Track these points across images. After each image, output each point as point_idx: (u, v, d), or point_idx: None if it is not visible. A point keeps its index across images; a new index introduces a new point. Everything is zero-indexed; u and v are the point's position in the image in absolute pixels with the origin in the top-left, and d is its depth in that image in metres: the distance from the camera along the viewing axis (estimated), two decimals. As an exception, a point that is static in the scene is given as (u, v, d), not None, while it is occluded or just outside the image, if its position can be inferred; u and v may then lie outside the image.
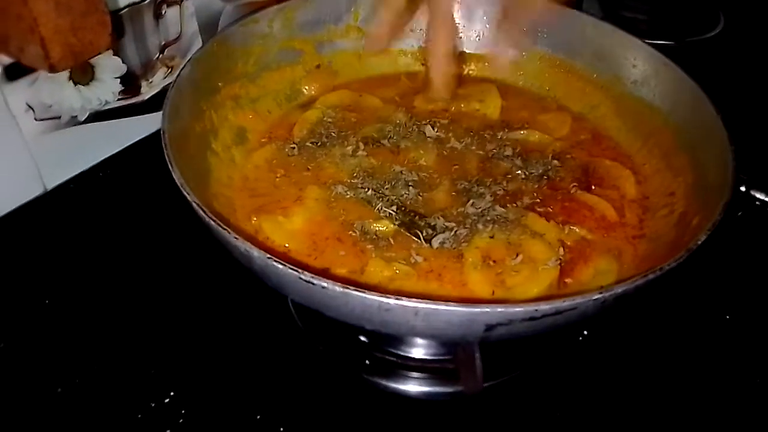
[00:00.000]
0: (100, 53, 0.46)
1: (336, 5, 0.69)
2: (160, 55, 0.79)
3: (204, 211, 0.42)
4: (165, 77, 0.81)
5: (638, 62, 0.65)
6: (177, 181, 0.44)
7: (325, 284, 0.38)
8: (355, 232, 0.54)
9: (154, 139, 0.79)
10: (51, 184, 0.73)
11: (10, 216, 0.69)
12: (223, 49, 0.61)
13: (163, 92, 0.80)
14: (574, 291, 0.50)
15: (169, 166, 0.45)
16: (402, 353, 0.57)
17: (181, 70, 0.54)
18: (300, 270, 0.38)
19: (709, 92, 0.58)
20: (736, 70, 0.96)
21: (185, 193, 0.44)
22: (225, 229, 0.41)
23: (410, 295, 0.38)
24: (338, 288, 0.38)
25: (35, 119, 0.69)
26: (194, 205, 0.43)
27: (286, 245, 0.53)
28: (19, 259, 0.65)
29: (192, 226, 0.63)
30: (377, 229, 0.54)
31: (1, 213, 0.69)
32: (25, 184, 0.71)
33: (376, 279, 0.50)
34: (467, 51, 0.75)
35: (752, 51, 1.02)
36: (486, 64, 0.74)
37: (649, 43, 0.64)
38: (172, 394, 0.53)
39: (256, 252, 0.40)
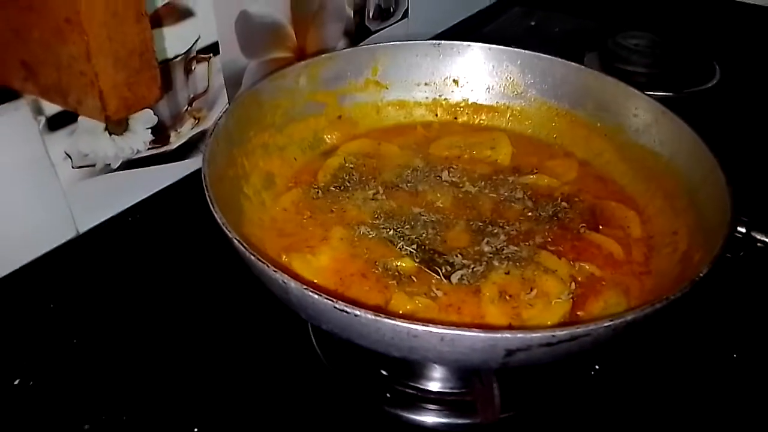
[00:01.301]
0: (150, 106, 0.50)
1: (357, 62, 0.75)
2: (189, 108, 0.84)
3: (243, 246, 0.46)
4: (192, 128, 0.86)
5: (639, 112, 0.69)
6: (218, 219, 0.48)
7: (358, 312, 0.41)
8: (378, 269, 0.57)
9: (181, 185, 0.84)
10: (83, 228, 0.76)
11: (45, 257, 0.72)
12: (255, 101, 0.66)
13: (190, 142, 0.85)
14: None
15: (211, 206, 0.49)
16: (421, 386, 0.60)
17: (218, 120, 0.59)
18: (334, 300, 0.42)
19: (708, 139, 0.61)
20: (732, 118, 1.00)
21: (226, 231, 0.47)
22: (263, 263, 0.44)
23: (434, 322, 0.41)
24: (370, 315, 0.41)
25: (72, 167, 0.73)
26: (234, 241, 0.46)
27: (315, 281, 0.56)
28: (51, 298, 0.67)
29: (216, 265, 0.67)
30: (399, 266, 0.57)
31: (37, 254, 0.72)
32: (60, 227, 0.74)
33: (399, 312, 0.53)
34: (478, 102, 0.79)
35: (747, 101, 1.06)
36: (496, 114, 0.79)
37: (649, 95, 0.69)
38: (196, 430, 0.55)
39: (293, 283, 0.43)
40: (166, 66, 0.77)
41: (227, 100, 0.87)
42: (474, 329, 0.40)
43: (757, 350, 0.64)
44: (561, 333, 0.41)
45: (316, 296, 0.42)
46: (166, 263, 0.72)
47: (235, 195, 0.60)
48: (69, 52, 0.45)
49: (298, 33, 0.93)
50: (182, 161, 0.85)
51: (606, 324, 0.42)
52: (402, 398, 0.59)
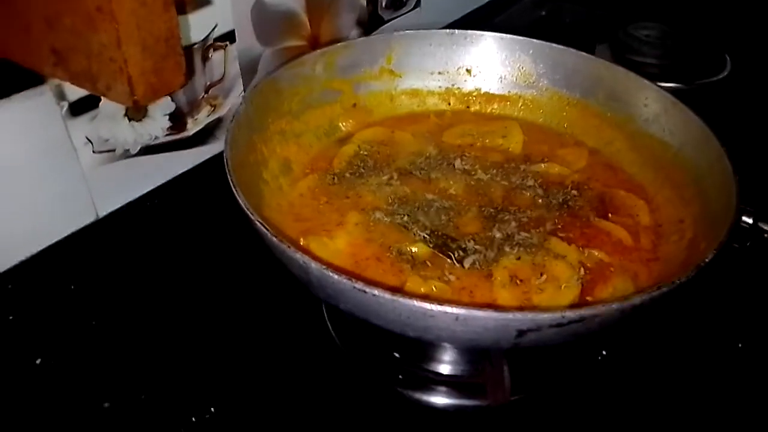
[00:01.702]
0: (175, 90, 0.52)
1: (372, 50, 0.76)
2: (205, 95, 0.85)
3: (266, 228, 0.47)
4: (208, 115, 0.87)
5: (649, 102, 0.70)
6: (241, 202, 0.50)
7: (376, 292, 0.43)
8: (393, 253, 0.59)
9: (198, 171, 0.86)
10: (103, 212, 0.78)
11: (65, 240, 0.74)
12: (273, 88, 0.67)
13: (207, 129, 0.87)
14: (595, 304, 0.54)
15: (234, 190, 0.50)
16: (433, 369, 0.62)
17: (239, 106, 0.60)
18: (353, 279, 0.44)
19: (717, 130, 0.62)
20: (743, 110, 1.01)
21: (248, 213, 0.49)
22: (285, 244, 0.46)
23: (449, 302, 0.43)
24: (388, 295, 0.43)
25: (93, 152, 0.74)
26: (257, 223, 0.48)
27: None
28: (71, 280, 0.70)
29: (232, 248, 0.68)
30: (413, 250, 0.59)
31: (58, 237, 0.74)
32: (80, 211, 0.76)
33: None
34: (490, 91, 0.81)
35: (758, 93, 1.06)
36: (508, 103, 0.80)
37: (660, 86, 0.70)
38: (212, 410, 0.58)
39: (313, 264, 0.45)
40: (188, 51, 0.78)
41: (243, 88, 0.89)
42: (487, 309, 0.42)
43: (762, 340, 0.66)
44: (570, 314, 0.42)
45: (335, 276, 0.44)
46: (184, 247, 0.74)
47: (254, 180, 0.62)
48: (99, 40, 0.46)
49: (312, 22, 0.94)
50: (198, 147, 0.86)
51: (614, 306, 0.43)
52: (414, 380, 0.61)
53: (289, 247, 0.46)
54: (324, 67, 0.73)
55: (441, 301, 0.42)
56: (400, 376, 0.61)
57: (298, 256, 0.45)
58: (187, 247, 0.74)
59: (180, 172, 0.85)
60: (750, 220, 0.61)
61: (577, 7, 1.31)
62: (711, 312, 0.66)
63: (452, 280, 0.56)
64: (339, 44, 0.74)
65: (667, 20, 1.18)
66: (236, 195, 0.50)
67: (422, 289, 0.55)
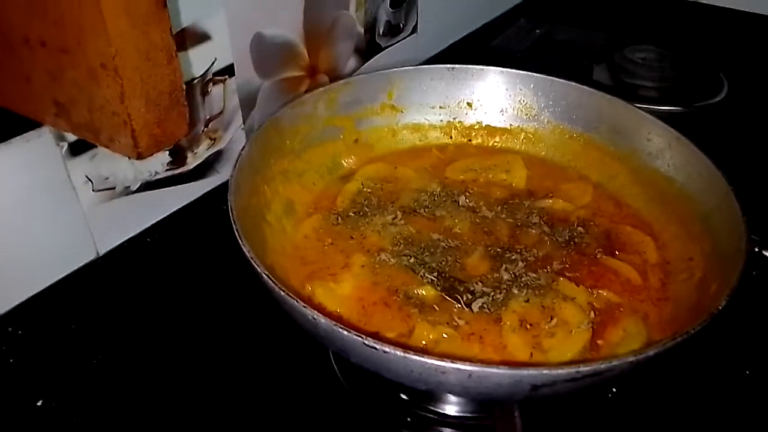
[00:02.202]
0: (179, 140, 0.51)
1: (373, 87, 0.76)
2: (205, 129, 0.85)
3: (273, 282, 0.47)
4: (208, 148, 0.87)
5: (652, 136, 0.70)
6: (246, 253, 0.49)
7: (387, 349, 0.42)
8: (400, 297, 0.59)
9: (198, 204, 0.86)
10: (103, 250, 0.77)
11: (65, 279, 0.74)
12: (275, 129, 0.67)
13: (206, 162, 0.86)
14: (607, 353, 0.54)
15: (239, 240, 0.50)
16: (441, 410, 0.61)
17: (242, 150, 0.60)
18: (364, 336, 0.43)
19: (719, 157, 0.62)
20: (742, 132, 1.01)
21: (255, 265, 0.48)
22: (293, 299, 0.46)
23: (461, 359, 0.42)
24: (399, 352, 0.42)
25: (93, 190, 0.74)
26: (264, 276, 0.47)
27: (338, 311, 0.57)
28: (72, 320, 0.69)
29: (234, 283, 0.68)
30: (421, 294, 0.58)
31: (59, 277, 0.73)
32: (80, 249, 0.75)
33: (422, 341, 0.54)
34: (492, 125, 0.80)
35: (756, 113, 1.07)
36: (510, 136, 0.80)
37: (660, 110, 0.70)
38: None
39: (322, 319, 0.44)
40: (188, 87, 0.78)
41: (242, 121, 0.89)
42: (501, 366, 0.42)
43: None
44: (585, 369, 0.42)
45: (345, 333, 0.44)
46: (185, 282, 0.73)
47: (258, 223, 0.61)
48: (103, 95, 0.46)
49: (310, 51, 0.94)
50: (198, 181, 0.86)
51: (630, 359, 0.43)
52: (422, 422, 0.60)
53: (297, 302, 0.45)
54: (325, 105, 0.72)
55: (454, 359, 0.42)
56: (408, 419, 0.60)
57: (308, 311, 0.45)
58: (189, 283, 0.73)
59: (180, 206, 0.85)
60: (755, 249, 0.61)
61: (572, 29, 1.32)
62: (718, 339, 0.65)
63: (461, 325, 0.56)
64: (340, 82, 0.74)
65: (663, 42, 1.19)
66: (242, 245, 0.50)
67: (431, 336, 0.54)
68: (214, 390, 0.62)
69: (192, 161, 0.85)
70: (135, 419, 0.59)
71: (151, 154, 0.49)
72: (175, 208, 0.84)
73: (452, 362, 0.42)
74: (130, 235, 0.80)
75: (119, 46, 0.44)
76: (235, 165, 0.58)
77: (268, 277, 0.47)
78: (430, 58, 1.20)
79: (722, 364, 0.66)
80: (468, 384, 0.43)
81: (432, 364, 0.42)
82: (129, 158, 0.50)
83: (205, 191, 0.87)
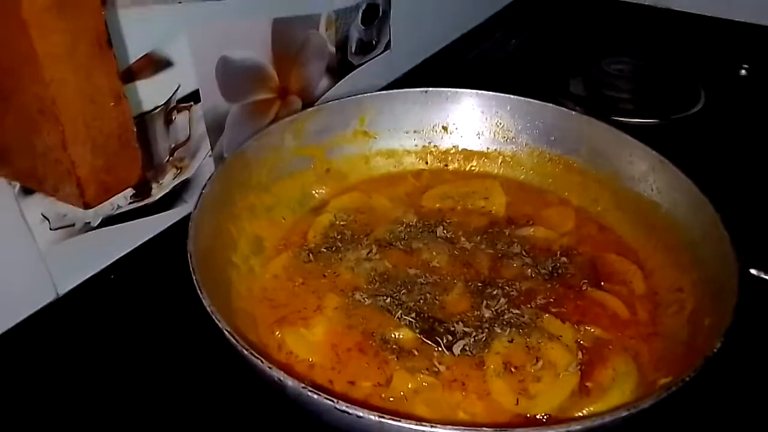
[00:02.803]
0: (131, 186, 0.47)
1: (344, 113, 0.73)
2: (170, 158, 0.81)
3: (236, 340, 0.43)
4: (174, 178, 0.83)
5: (634, 159, 0.68)
6: (208, 308, 0.46)
7: (361, 414, 0.39)
8: (376, 341, 0.55)
9: (164, 236, 0.81)
10: (63, 290, 0.73)
11: (24, 323, 0.69)
12: (239, 163, 0.64)
13: (173, 192, 0.82)
14: (597, 396, 0.51)
15: (199, 293, 0.46)
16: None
17: (202, 191, 0.56)
18: (335, 400, 0.40)
19: (698, 170, 0.60)
20: (719, 143, 0.99)
21: (216, 321, 0.45)
22: (258, 359, 0.42)
23: (442, 422, 0.39)
24: (374, 417, 0.39)
25: (50, 229, 0.70)
26: (226, 333, 0.44)
27: (310, 360, 0.54)
28: (33, 364, 0.65)
29: (204, 320, 0.64)
30: (398, 337, 0.55)
31: (17, 321, 0.69)
32: (39, 291, 0.71)
33: (401, 392, 0.51)
34: (468, 148, 0.78)
35: (733, 125, 1.05)
36: (487, 160, 0.77)
37: (637, 122, 0.67)
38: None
39: (290, 381, 0.41)
40: (142, 120, 0.74)
41: (210, 147, 0.85)
42: (487, 429, 0.38)
43: (759, 381, 0.62)
44: (576, 428, 0.39)
45: (315, 396, 0.40)
46: (151, 321, 0.69)
47: (222, 267, 0.58)
48: (44, 142, 0.42)
49: (280, 73, 0.91)
50: (165, 212, 0.82)
51: (623, 415, 0.40)
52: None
53: (262, 361, 0.42)
54: (293, 135, 0.69)
55: (433, 423, 0.38)
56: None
57: (274, 372, 0.41)
58: (155, 321, 0.69)
59: (146, 239, 0.81)
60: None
61: (548, 41, 1.30)
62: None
63: (442, 371, 0.53)
64: (308, 110, 0.70)
65: (640, 53, 1.18)
66: (202, 298, 0.46)
67: (410, 385, 0.51)
68: None
69: (157, 192, 0.81)
70: None
71: (100, 203, 0.45)
72: (141, 242, 0.80)
73: (432, 426, 0.38)
74: (92, 273, 0.76)
75: (58, 91, 0.40)
76: (196, 206, 0.55)
77: (230, 333, 0.44)
78: (404, 73, 1.17)
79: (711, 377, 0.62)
80: (450, 447, 0.39)
81: (409, 428, 0.39)
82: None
83: (173, 222, 0.83)
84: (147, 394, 0.62)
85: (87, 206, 0.44)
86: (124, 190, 0.50)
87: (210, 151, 0.84)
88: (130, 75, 0.69)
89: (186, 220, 0.81)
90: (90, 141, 0.43)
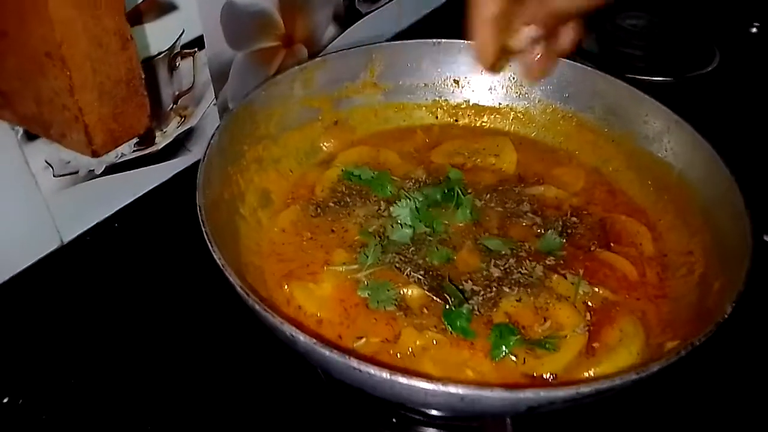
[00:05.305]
0: (139, 134, 0.46)
1: (353, 63, 0.71)
2: (174, 106, 0.79)
3: (248, 295, 0.43)
4: (178, 126, 0.81)
5: (649, 118, 0.66)
6: (219, 262, 0.45)
7: (372, 371, 0.39)
8: (384, 298, 0.55)
9: (168, 186, 0.80)
10: (67, 238, 0.73)
11: (28, 270, 0.69)
12: (247, 113, 0.62)
13: (177, 141, 0.81)
14: (603, 356, 0.51)
15: (209, 246, 0.46)
16: (427, 411, 0.58)
17: (211, 140, 0.55)
18: (348, 356, 0.39)
19: (711, 130, 0.58)
20: (733, 104, 0.97)
21: (228, 275, 0.44)
22: (270, 314, 0.42)
23: (452, 381, 0.39)
24: (385, 374, 0.39)
25: (54, 175, 0.69)
26: (238, 288, 0.43)
27: (318, 315, 0.54)
28: (37, 312, 0.65)
29: (208, 268, 0.63)
30: (407, 294, 0.55)
31: (21, 268, 0.69)
32: (43, 238, 0.71)
33: (409, 348, 0.51)
34: (480, 103, 0.76)
35: (748, 84, 1.03)
36: (498, 116, 0.75)
37: (651, 80, 0.65)
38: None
39: (302, 337, 0.41)
40: (149, 64, 0.72)
41: (214, 96, 0.83)
42: (496, 388, 0.38)
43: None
44: (586, 390, 0.39)
45: (326, 352, 0.40)
46: (156, 270, 0.69)
47: (231, 218, 0.57)
48: (50, 86, 0.41)
49: (285, 20, 0.88)
50: (169, 161, 0.81)
51: (633, 377, 0.40)
52: (407, 423, 0.57)
53: (274, 317, 0.41)
54: (302, 85, 0.67)
55: (443, 381, 0.38)
56: (394, 419, 0.57)
57: (285, 327, 0.41)
58: (160, 271, 0.69)
59: (150, 188, 0.80)
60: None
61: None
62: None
63: (450, 329, 0.52)
64: (317, 59, 0.68)
65: (654, 10, 1.14)
66: (213, 252, 0.45)
67: (418, 342, 0.51)
68: (187, 382, 0.58)
69: (161, 140, 0.79)
70: (104, 415, 0.56)
71: (108, 152, 0.44)
72: (144, 191, 0.79)
73: (443, 385, 0.38)
74: (96, 222, 0.75)
75: (65, 32, 0.38)
76: (204, 157, 0.53)
77: (242, 289, 0.43)
78: (412, 24, 1.14)
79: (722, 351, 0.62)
80: (461, 406, 0.40)
81: (420, 387, 0.39)
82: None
83: (176, 171, 0.82)
84: (152, 343, 0.62)
85: (95, 154, 0.43)
86: (133, 138, 0.49)
87: (214, 100, 0.83)
88: (137, 16, 0.67)
89: (189, 169, 0.81)
90: (98, 87, 0.42)
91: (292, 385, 0.59)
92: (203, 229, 0.47)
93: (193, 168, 0.50)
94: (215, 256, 0.45)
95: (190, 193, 0.52)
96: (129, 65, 0.43)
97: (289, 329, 0.41)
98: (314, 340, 0.40)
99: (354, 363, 0.39)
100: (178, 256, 0.69)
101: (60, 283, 0.68)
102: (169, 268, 0.69)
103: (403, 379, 0.39)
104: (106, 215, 0.76)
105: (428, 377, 0.39)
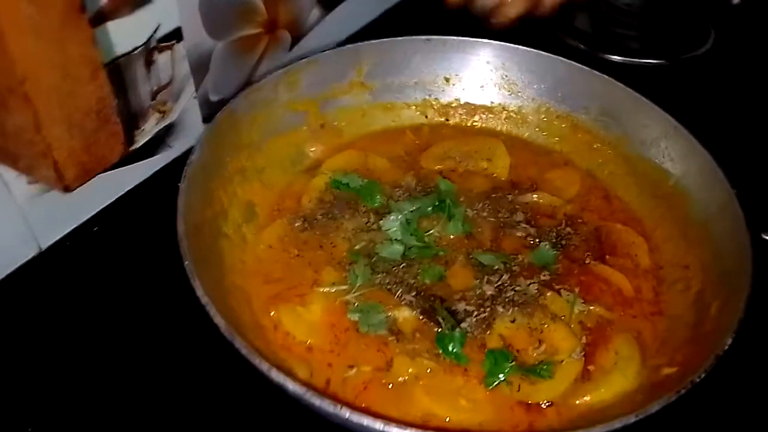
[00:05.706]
0: (114, 162, 0.44)
1: (340, 63, 0.68)
2: (153, 102, 0.76)
3: (236, 339, 0.41)
4: (157, 123, 0.78)
5: (648, 122, 0.64)
6: (202, 300, 0.43)
7: (365, 422, 0.38)
8: (375, 322, 0.53)
9: (148, 185, 0.78)
10: (45, 244, 0.70)
11: (6, 279, 0.67)
12: (229, 122, 0.59)
13: (156, 138, 0.78)
14: (600, 380, 0.50)
15: (192, 282, 0.44)
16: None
17: (191, 156, 0.52)
18: (339, 405, 0.38)
19: (705, 118, 0.57)
20: (729, 84, 0.95)
21: (210, 313, 0.42)
22: (261, 360, 0.40)
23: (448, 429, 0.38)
24: (379, 425, 0.38)
25: (28, 182, 0.66)
26: (226, 335, 0.42)
27: (308, 342, 0.52)
28: (17, 320, 0.63)
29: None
30: (398, 318, 0.53)
31: None
32: (20, 246, 0.68)
33: (402, 377, 0.50)
34: (471, 102, 0.73)
35: (744, 64, 1.01)
36: (490, 115, 0.73)
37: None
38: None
39: (290, 384, 0.39)
40: (119, 64, 0.68)
41: (194, 89, 0.80)
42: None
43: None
44: (585, 435, 0.38)
45: (318, 401, 0.39)
46: (138, 273, 0.67)
47: (213, 238, 0.55)
48: (14, 122, 0.38)
49: (267, 5, 0.84)
50: (148, 159, 0.78)
51: (632, 420, 0.39)
52: None
53: (263, 363, 0.40)
54: (286, 88, 0.64)
55: (438, 430, 0.37)
56: None
57: (274, 374, 0.39)
58: (144, 274, 0.66)
59: (129, 188, 0.77)
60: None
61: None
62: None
63: (443, 354, 0.51)
64: (302, 61, 0.65)
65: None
66: (195, 288, 0.43)
67: (410, 370, 0.50)
68: (165, 393, 0.56)
69: (140, 138, 0.76)
70: (85, 426, 0.54)
71: (81, 185, 0.42)
72: (124, 191, 0.77)
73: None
74: (75, 226, 0.72)
75: (27, 67, 0.35)
76: (183, 178, 0.51)
77: (228, 331, 0.41)
78: (399, 3, 1.10)
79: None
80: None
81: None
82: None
83: (157, 169, 0.79)
84: (137, 351, 0.60)
85: (67, 189, 0.40)
86: (106, 169, 0.46)
87: (195, 93, 0.80)
88: (97, 18, 0.63)
89: (170, 165, 0.78)
90: (66, 120, 0.39)
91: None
92: (185, 263, 0.45)
93: (175, 164, 0.47)
94: (198, 293, 0.43)
95: (172, 191, 0.49)
96: (99, 94, 0.40)
97: (277, 375, 0.39)
98: (305, 389, 0.39)
99: (345, 412, 0.38)
100: (161, 259, 0.66)
101: (40, 292, 0.66)
102: (153, 272, 0.66)
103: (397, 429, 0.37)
104: (85, 218, 0.73)
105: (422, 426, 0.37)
